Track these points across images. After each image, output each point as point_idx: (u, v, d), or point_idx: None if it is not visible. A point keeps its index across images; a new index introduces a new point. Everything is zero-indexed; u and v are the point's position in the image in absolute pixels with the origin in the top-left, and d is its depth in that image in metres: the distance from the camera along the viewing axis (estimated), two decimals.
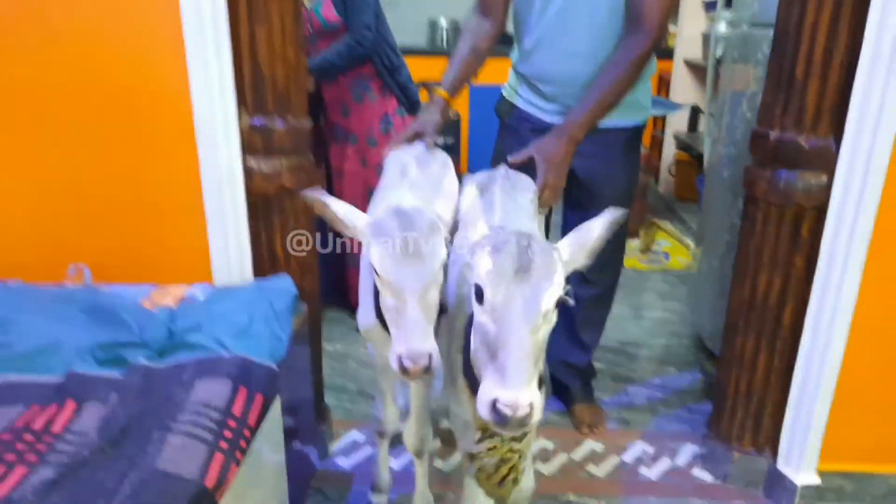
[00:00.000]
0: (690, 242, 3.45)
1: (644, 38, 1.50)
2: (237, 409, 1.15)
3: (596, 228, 0.98)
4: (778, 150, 1.54)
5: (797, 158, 1.52)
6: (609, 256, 1.55)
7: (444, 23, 4.93)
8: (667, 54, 4.12)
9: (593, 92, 1.50)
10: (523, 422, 0.83)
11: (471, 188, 1.39)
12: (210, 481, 1.01)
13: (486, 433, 1.09)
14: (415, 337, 1.03)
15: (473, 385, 1.01)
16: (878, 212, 1.47)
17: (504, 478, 1.14)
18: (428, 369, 1.03)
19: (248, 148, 1.54)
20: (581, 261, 0.98)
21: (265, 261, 1.63)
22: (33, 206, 1.57)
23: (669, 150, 4.11)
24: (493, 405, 0.83)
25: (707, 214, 2.59)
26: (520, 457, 1.09)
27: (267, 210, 1.60)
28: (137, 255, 1.60)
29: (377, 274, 1.07)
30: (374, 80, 2.34)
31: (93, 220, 1.58)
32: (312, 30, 2.28)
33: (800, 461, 1.71)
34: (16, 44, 1.45)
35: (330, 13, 2.23)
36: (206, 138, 1.50)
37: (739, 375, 1.76)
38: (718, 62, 2.96)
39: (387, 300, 1.08)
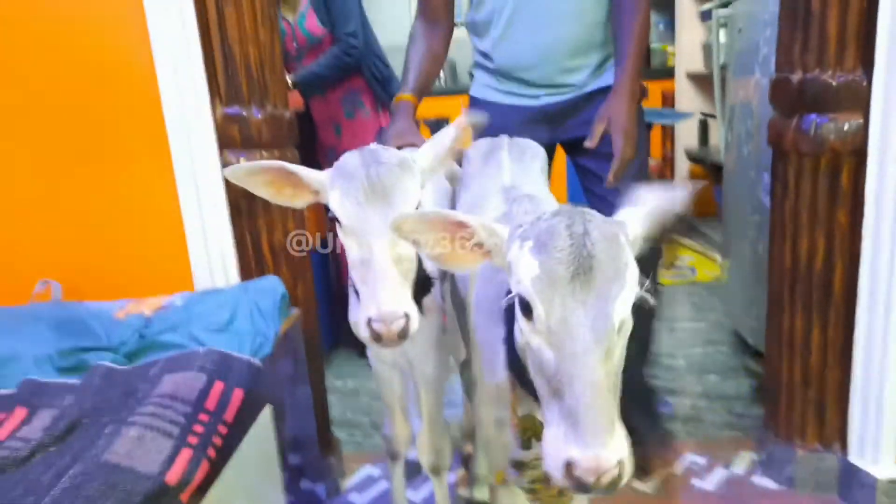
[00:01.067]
0: (716, 255, 3.28)
1: None
2: (210, 404, 0.98)
3: (660, 199, 0.78)
4: (803, 93, 1.39)
5: (825, 99, 1.37)
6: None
7: (460, 64, 4.93)
8: (667, 73, 4.06)
9: (624, 41, 1.43)
10: (612, 486, 0.62)
11: (475, 153, 1.26)
12: (172, 477, 0.83)
13: (529, 436, 0.90)
14: (385, 294, 0.89)
15: (522, 379, 0.81)
16: None
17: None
18: (404, 333, 0.89)
19: (224, 142, 1.42)
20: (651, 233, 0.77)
21: (252, 267, 1.49)
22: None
23: (682, 166, 3.98)
24: (569, 469, 0.62)
25: (729, 224, 2.47)
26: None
27: (251, 210, 1.47)
28: (112, 269, 1.46)
29: (340, 224, 0.94)
30: (366, 93, 2.25)
31: (61, 236, 1.45)
32: (297, 45, 2.21)
33: (876, 452, 1.48)
34: None
35: (314, 26, 2.16)
36: (177, 133, 1.39)
37: (792, 360, 1.55)
38: (723, 68, 2.89)
39: (352, 255, 0.94)
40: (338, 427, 2.01)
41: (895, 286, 1.39)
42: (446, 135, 1.06)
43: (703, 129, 3.74)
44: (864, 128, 1.36)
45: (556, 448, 0.64)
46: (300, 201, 1.01)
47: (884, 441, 1.47)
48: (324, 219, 1.06)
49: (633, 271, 0.68)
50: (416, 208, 0.96)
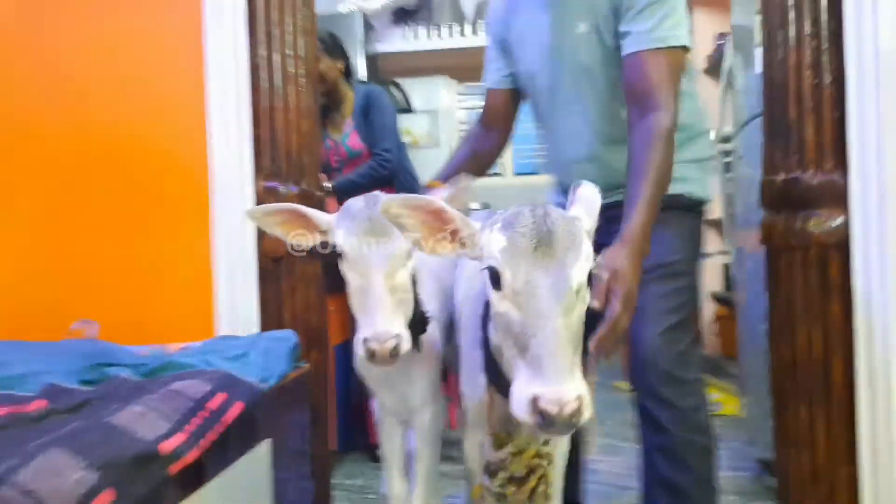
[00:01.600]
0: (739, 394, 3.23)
1: (664, 114, 1.26)
2: (212, 405, 1.05)
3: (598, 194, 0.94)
4: (787, 192, 1.51)
5: (808, 197, 1.49)
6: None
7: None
8: None
9: (637, 178, 1.23)
10: (572, 420, 0.69)
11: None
12: (165, 447, 0.89)
13: (503, 440, 0.96)
14: (381, 317, 1.01)
15: (497, 382, 0.90)
16: None
17: (534, 490, 0.98)
18: (396, 352, 1.00)
19: None
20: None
21: (272, 327, 1.60)
22: (41, 270, 1.63)
23: (709, 309, 4.02)
24: (534, 404, 0.70)
25: (744, 360, 2.51)
26: (549, 463, 0.95)
27: (276, 273, 1.61)
28: (143, 319, 1.59)
29: (343, 258, 1.08)
30: None
31: (104, 284, 1.61)
32: (339, 159, 2.47)
33: None
34: (54, 119, 1.63)
35: (356, 143, 2.44)
36: (220, 201, 1.58)
37: (799, 456, 1.53)
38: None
39: (354, 285, 1.07)
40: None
41: (893, 379, 1.40)
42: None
43: (726, 271, 3.83)
44: (846, 222, 1.45)
45: (523, 390, 0.71)
46: (308, 240, 1.15)
47: None
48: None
49: (587, 247, 0.80)
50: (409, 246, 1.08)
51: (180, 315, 1.60)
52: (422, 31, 4.65)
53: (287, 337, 1.44)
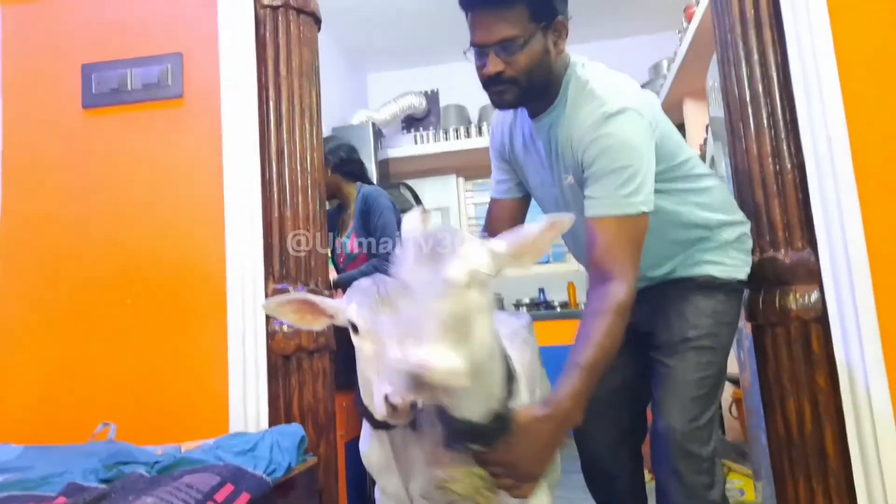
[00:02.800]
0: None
1: (622, 285, 1.24)
2: (219, 497, 1.13)
3: (535, 229, 1.05)
4: (764, 270, 1.60)
5: (784, 274, 1.57)
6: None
7: None
8: None
9: (577, 351, 1.20)
10: (443, 379, 0.83)
11: None
12: None
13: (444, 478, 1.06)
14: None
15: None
16: (878, 312, 1.46)
17: None
18: (415, 406, 1.06)
19: None
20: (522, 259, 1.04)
21: (281, 421, 1.68)
22: (75, 377, 1.75)
23: (726, 392, 3.98)
24: (404, 370, 0.85)
25: (753, 444, 2.49)
26: (482, 479, 1.06)
27: (286, 370, 1.70)
28: (163, 414, 1.68)
29: (356, 331, 1.15)
30: None
31: (128, 386, 1.71)
32: (343, 260, 2.63)
33: None
34: (87, 240, 1.80)
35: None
36: (235, 305, 1.70)
37: None
38: None
39: (367, 352, 1.14)
40: None
41: (884, 450, 1.43)
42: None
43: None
44: (822, 297, 1.53)
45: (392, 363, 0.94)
46: (318, 325, 1.25)
47: None
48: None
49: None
50: None
51: (197, 411, 1.69)
52: (429, 135, 4.92)
53: (294, 431, 1.52)
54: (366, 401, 1.20)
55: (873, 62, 1.53)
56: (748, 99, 1.65)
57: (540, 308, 4.89)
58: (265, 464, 1.34)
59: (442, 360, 0.84)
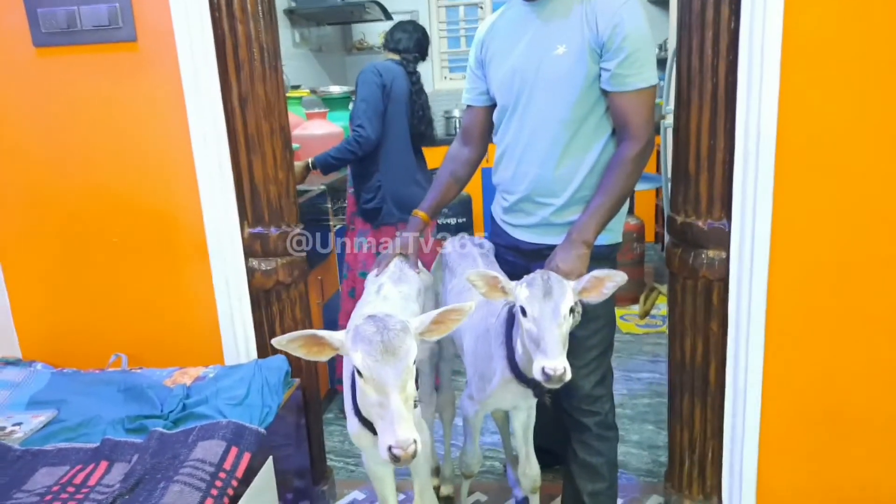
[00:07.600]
0: None
1: (633, 143, 1.60)
2: (227, 464, 1.47)
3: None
4: (684, 232, 1.82)
5: (700, 238, 1.80)
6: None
7: (458, 114, 5.46)
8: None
9: (597, 196, 1.62)
10: (562, 378, 1.36)
11: (451, 247, 2.00)
12: None
13: None
14: (401, 426, 1.17)
15: (518, 375, 1.58)
16: (769, 281, 1.72)
17: None
18: (415, 453, 1.18)
19: (248, 252, 1.92)
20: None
21: (266, 343, 1.98)
22: (85, 307, 1.99)
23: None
24: (543, 370, 1.36)
25: None
26: None
27: (267, 301, 1.96)
28: (165, 343, 1.98)
29: (361, 376, 1.25)
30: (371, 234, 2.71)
31: (130, 317, 1.98)
32: None
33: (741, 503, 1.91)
34: (64, 180, 1.90)
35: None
36: (215, 247, 1.89)
37: (682, 430, 1.98)
38: None
39: (371, 398, 1.23)
40: (335, 455, 2.51)
41: (750, 382, 1.80)
42: (431, 315, 1.36)
43: None
44: (727, 262, 1.78)
45: (538, 363, 1.38)
46: (324, 356, 1.35)
47: (745, 498, 1.89)
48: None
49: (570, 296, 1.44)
50: (413, 361, 1.26)
51: (193, 338, 1.97)
52: None
53: (279, 366, 1.84)
54: (364, 413, 1.39)
55: (816, 63, 1.57)
56: (698, 69, 1.70)
57: None
58: (259, 411, 1.67)
59: (564, 365, 1.36)
